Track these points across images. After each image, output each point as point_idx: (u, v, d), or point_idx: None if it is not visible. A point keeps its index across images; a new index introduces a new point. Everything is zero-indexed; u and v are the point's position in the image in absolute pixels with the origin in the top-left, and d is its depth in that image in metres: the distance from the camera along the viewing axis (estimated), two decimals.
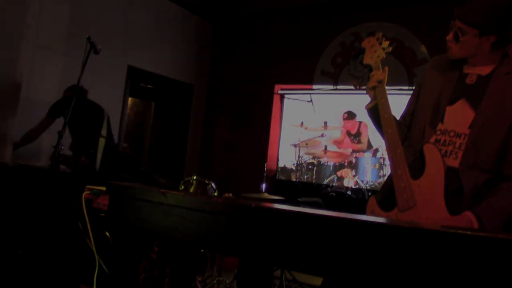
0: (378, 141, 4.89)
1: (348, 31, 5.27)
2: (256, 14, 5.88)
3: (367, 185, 4.87)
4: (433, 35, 4.55)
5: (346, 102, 5.19)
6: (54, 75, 4.07)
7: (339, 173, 5.13)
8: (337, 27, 5.31)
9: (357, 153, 5.05)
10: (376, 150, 4.93)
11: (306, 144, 5.41)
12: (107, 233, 2.18)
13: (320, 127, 5.33)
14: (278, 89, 5.65)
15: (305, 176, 5.37)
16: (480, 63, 1.59)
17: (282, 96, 5.66)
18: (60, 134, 2.97)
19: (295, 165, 5.45)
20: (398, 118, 1.75)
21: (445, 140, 1.59)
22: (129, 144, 6.08)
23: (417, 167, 1.57)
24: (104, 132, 3.76)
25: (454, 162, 1.55)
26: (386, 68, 1.70)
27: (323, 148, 5.28)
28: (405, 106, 1.82)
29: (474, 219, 1.44)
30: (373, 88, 1.70)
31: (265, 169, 4.01)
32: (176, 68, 5.66)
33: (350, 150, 5.12)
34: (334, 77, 5.35)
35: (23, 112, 3.89)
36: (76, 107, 3.55)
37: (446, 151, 1.57)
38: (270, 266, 1.60)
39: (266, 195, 3.48)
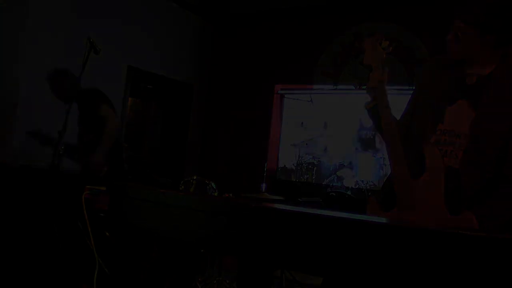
0: (379, 141, 4.89)
1: (348, 31, 5.27)
2: (256, 14, 5.88)
3: (367, 185, 4.87)
4: (433, 35, 4.55)
5: (346, 102, 5.18)
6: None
7: (339, 173, 5.13)
8: (337, 27, 5.31)
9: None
10: (377, 150, 4.93)
11: (306, 144, 5.41)
12: (107, 233, 2.18)
13: (320, 127, 5.33)
14: (278, 89, 5.65)
15: (305, 176, 5.37)
16: (480, 63, 1.59)
17: (282, 96, 5.66)
18: (60, 134, 2.97)
19: (295, 165, 5.45)
20: (398, 118, 1.75)
21: (445, 140, 1.59)
22: (129, 144, 6.08)
23: (417, 167, 1.57)
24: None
25: (454, 162, 1.55)
26: (386, 68, 1.70)
27: (323, 148, 5.28)
28: (405, 106, 1.82)
29: (474, 219, 1.44)
30: (373, 88, 1.69)
31: (265, 169, 4.01)
32: (176, 68, 5.66)
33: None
34: (334, 77, 5.34)
35: (22, 112, 3.89)
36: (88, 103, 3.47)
37: (446, 151, 1.57)
38: (270, 266, 1.60)
39: (266, 195, 3.48)
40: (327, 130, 5.29)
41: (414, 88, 1.84)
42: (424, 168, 1.54)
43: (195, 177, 3.21)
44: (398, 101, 1.94)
